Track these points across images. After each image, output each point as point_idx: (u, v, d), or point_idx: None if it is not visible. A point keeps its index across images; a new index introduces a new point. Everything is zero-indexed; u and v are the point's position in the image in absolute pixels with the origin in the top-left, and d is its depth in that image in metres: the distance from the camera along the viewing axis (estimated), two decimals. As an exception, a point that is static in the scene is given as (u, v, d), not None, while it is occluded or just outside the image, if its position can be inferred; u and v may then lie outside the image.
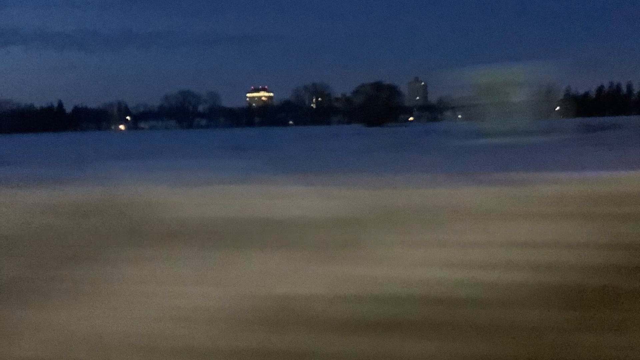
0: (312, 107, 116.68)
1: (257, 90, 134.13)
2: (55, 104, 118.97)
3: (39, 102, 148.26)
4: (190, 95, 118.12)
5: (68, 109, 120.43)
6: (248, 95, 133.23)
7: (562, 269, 4.48)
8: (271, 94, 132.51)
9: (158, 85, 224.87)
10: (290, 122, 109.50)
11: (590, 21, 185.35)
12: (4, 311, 4.15)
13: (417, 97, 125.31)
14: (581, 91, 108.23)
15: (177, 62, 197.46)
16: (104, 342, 3.62)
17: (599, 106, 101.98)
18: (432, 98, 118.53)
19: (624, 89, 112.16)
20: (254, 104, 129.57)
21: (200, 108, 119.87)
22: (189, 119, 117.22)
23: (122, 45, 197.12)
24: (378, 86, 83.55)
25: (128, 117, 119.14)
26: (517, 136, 21.93)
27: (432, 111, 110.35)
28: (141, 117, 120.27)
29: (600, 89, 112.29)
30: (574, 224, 5.55)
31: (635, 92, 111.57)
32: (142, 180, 9.47)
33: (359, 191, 7.46)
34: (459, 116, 41.27)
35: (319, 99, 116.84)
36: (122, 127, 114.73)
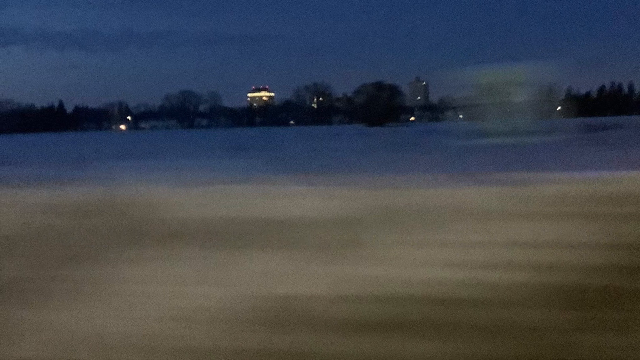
0: (313, 107, 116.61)
1: (258, 90, 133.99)
2: (56, 104, 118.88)
3: (40, 102, 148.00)
4: (191, 95, 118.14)
5: (69, 108, 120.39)
6: (249, 95, 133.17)
7: (564, 269, 4.47)
8: (272, 94, 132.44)
9: (159, 85, 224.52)
10: (291, 122, 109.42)
11: (591, 21, 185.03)
12: (5, 311, 4.15)
13: (419, 97, 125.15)
14: (583, 91, 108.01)
15: (178, 62, 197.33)
16: (105, 343, 3.62)
17: (601, 106, 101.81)
18: (434, 98, 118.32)
19: (626, 89, 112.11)
20: (255, 104, 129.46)
21: (201, 108, 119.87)
22: (190, 119, 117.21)
23: (123, 45, 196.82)
24: (379, 86, 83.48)
25: (129, 117, 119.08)
26: (519, 136, 21.91)
27: (433, 111, 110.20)
28: (142, 117, 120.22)
29: (601, 89, 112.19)
30: (575, 224, 5.54)
31: (636, 92, 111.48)
32: (143, 180, 9.47)
33: (360, 191, 7.45)
34: (460, 116, 41.16)
35: (320, 98, 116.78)
36: (123, 127, 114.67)
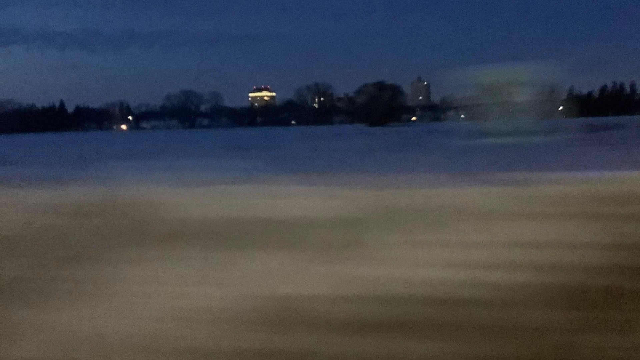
0: (314, 107, 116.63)
1: (260, 90, 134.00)
2: (57, 104, 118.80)
3: (41, 101, 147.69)
4: (193, 95, 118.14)
5: (70, 108, 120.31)
6: (250, 95, 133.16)
7: (566, 269, 4.46)
8: (273, 94, 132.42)
9: (160, 85, 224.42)
10: (293, 122, 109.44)
11: (593, 21, 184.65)
12: (5, 311, 4.15)
13: (420, 97, 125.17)
14: (584, 91, 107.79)
15: (179, 61, 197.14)
16: (106, 343, 3.61)
17: (602, 106, 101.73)
18: (435, 98, 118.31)
19: (628, 88, 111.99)
20: (256, 104, 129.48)
21: (203, 108, 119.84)
22: (191, 119, 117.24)
23: (124, 45, 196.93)
24: (381, 86, 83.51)
25: (130, 117, 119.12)
26: (520, 136, 21.91)
27: (434, 111, 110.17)
28: (143, 117, 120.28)
29: (603, 89, 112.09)
30: (577, 224, 5.54)
31: (638, 92, 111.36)
32: (144, 180, 9.47)
33: (361, 191, 7.45)
34: (462, 116, 41.19)
35: (322, 98, 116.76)
36: (124, 127, 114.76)
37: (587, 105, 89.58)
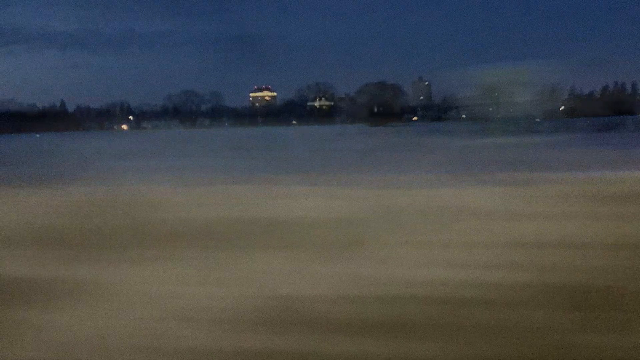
0: (315, 106, 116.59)
1: (260, 89, 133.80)
2: (58, 104, 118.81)
3: (41, 101, 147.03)
4: (193, 94, 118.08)
5: (70, 108, 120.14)
6: (251, 94, 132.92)
7: (567, 269, 4.46)
8: (274, 94, 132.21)
9: (161, 84, 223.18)
10: (294, 122, 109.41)
11: (594, 21, 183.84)
12: (6, 312, 4.14)
13: (421, 97, 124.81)
14: (586, 91, 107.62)
15: (180, 61, 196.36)
16: (106, 343, 3.61)
17: (604, 106, 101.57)
18: (436, 97, 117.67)
19: (629, 88, 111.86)
20: (257, 104, 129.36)
21: (203, 108, 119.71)
22: (192, 119, 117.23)
23: (125, 45, 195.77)
24: (382, 86, 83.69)
25: (131, 117, 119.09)
26: (521, 136, 21.91)
27: (436, 111, 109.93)
28: (144, 116, 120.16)
29: (604, 89, 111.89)
30: (578, 223, 5.53)
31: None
32: (145, 180, 9.47)
33: (363, 191, 7.44)
34: (463, 116, 41.20)
35: (323, 98, 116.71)
36: (124, 126, 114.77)
37: (588, 105, 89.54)
